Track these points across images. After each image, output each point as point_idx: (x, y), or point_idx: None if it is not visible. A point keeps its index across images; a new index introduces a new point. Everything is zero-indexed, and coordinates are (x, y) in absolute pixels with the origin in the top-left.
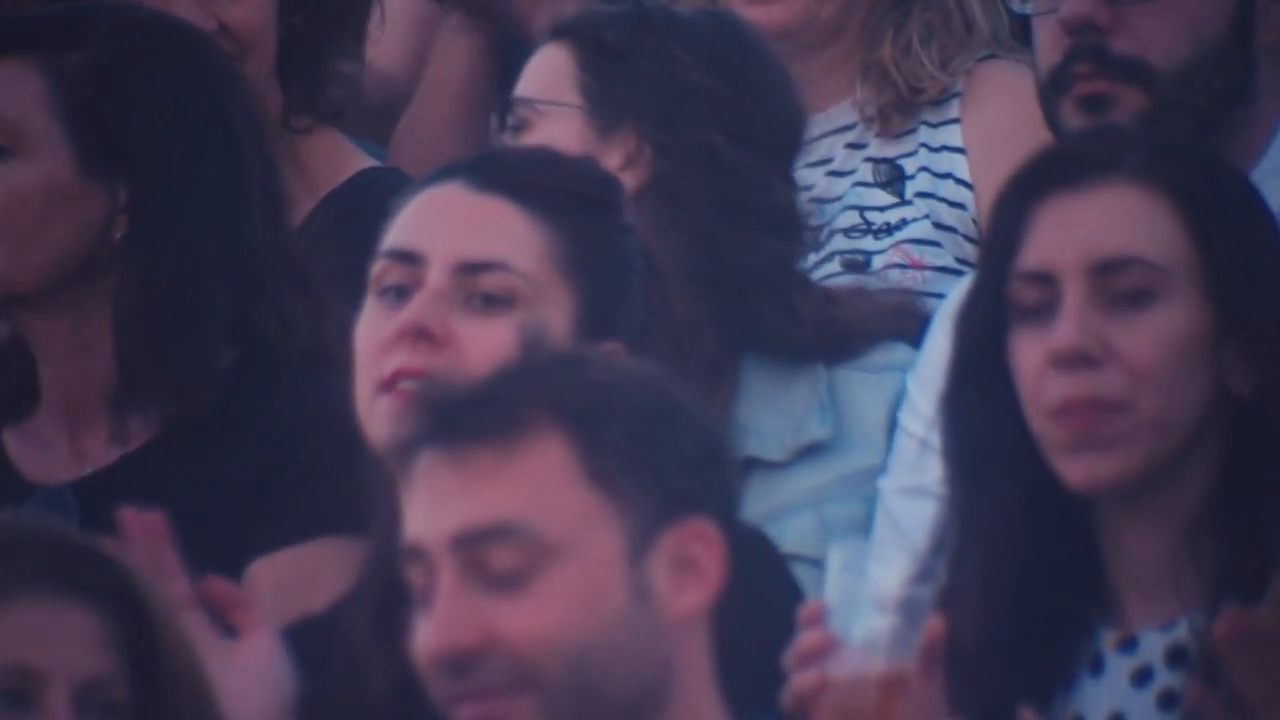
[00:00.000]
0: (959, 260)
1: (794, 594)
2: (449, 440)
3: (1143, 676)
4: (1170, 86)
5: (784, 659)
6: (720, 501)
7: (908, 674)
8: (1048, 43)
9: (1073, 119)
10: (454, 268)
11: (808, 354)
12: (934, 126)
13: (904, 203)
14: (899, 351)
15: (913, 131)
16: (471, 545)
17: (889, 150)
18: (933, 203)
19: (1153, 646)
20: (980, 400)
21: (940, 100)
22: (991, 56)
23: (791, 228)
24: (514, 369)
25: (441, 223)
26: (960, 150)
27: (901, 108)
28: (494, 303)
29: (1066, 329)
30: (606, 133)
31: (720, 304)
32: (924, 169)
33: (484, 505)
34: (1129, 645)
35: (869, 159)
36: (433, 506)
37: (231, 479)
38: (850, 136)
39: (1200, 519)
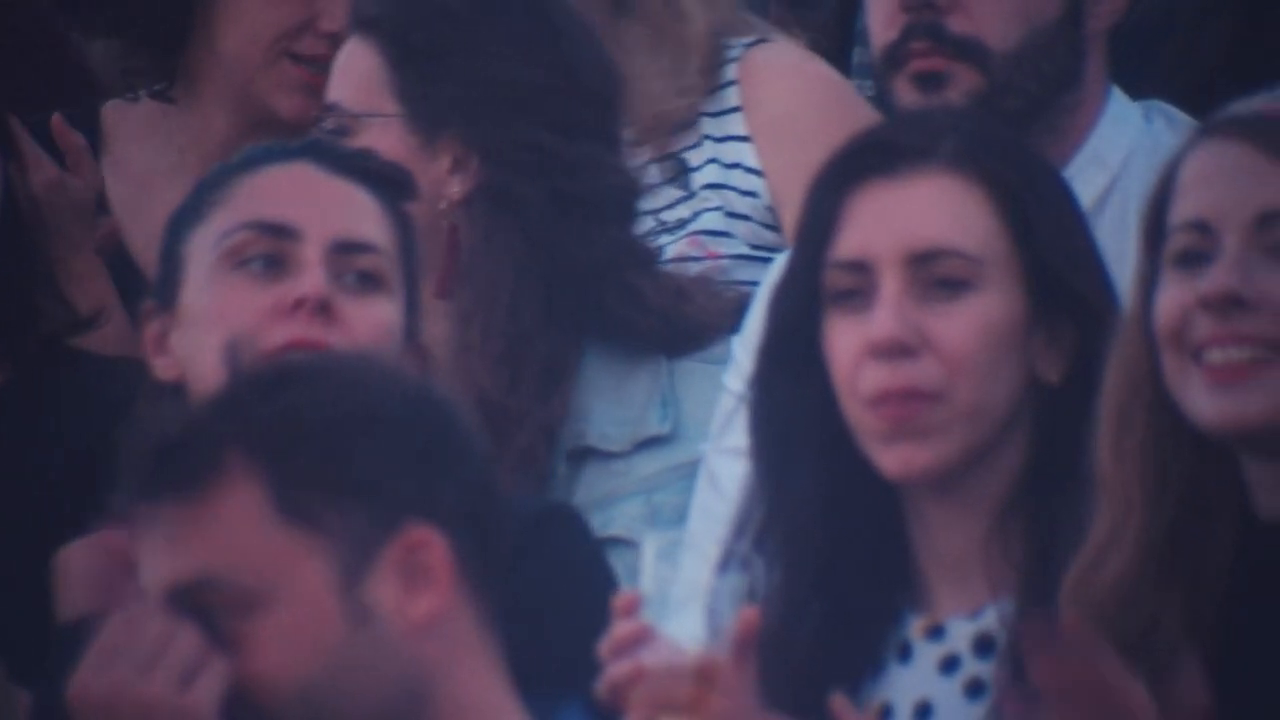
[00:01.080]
0: (754, 247)
1: (607, 578)
2: (148, 496)
3: (950, 664)
4: (1003, 67)
5: (599, 648)
6: (452, 499)
7: (721, 663)
8: (883, 19)
9: (907, 95)
10: (331, 246)
11: (652, 346)
12: (715, 117)
13: (691, 195)
14: (721, 346)
15: (694, 124)
16: (181, 599)
17: (674, 145)
18: (724, 193)
19: (960, 634)
20: (790, 386)
21: (717, 89)
22: (762, 40)
23: (631, 209)
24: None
25: (311, 200)
26: (746, 139)
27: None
28: (368, 283)
29: (884, 319)
30: (429, 140)
31: (562, 299)
32: (712, 160)
33: (182, 561)
34: (936, 633)
35: (653, 160)
36: (147, 560)
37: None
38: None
39: (1008, 507)
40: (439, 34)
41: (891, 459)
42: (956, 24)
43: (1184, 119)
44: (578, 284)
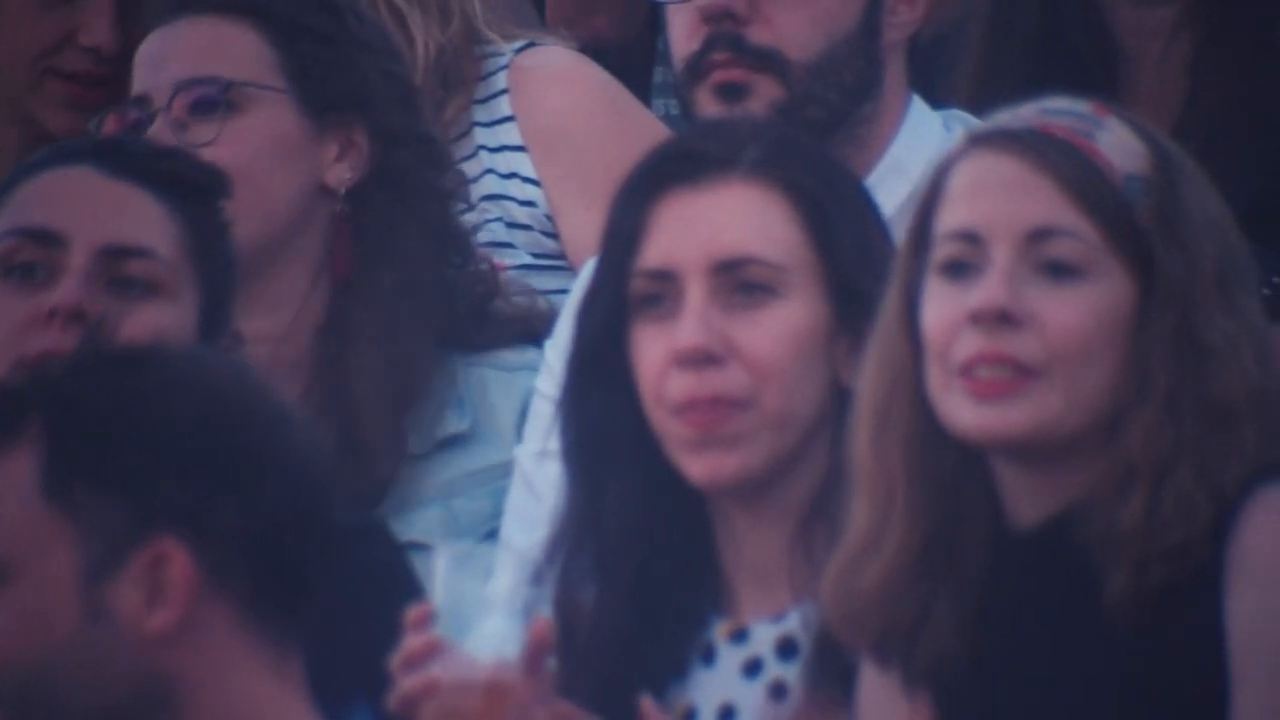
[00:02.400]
0: (537, 256)
1: (409, 586)
2: None
3: (753, 667)
4: (803, 78)
5: (391, 662)
6: (232, 517)
7: (512, 676)
8: (685, 32)
9: (709, 107)
10: (99, 252)
11: (449, 345)
12: (488, 126)
13: (470, 208)
14: (530, 353)
15: (466, 135)
16: None
17: None
18: (503, 203)
19: (763, 637)
20: (600, 395)
21: (488, 99)
22: (531, 45)
23: (468, 205)
24: (45, 367)
25: (81, 205)
26: (521, 148)
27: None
28: (138, 289)
29: (689, 327)
30: (317, 123)
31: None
32: (489, 171)
33: None
34: (740, 636)
35: None
36: None
37: None
38: None
39: (813, 511)
40: (328, 20)
41: (699, 467)
42: (757, 35)
43: None
44: (451, 280)
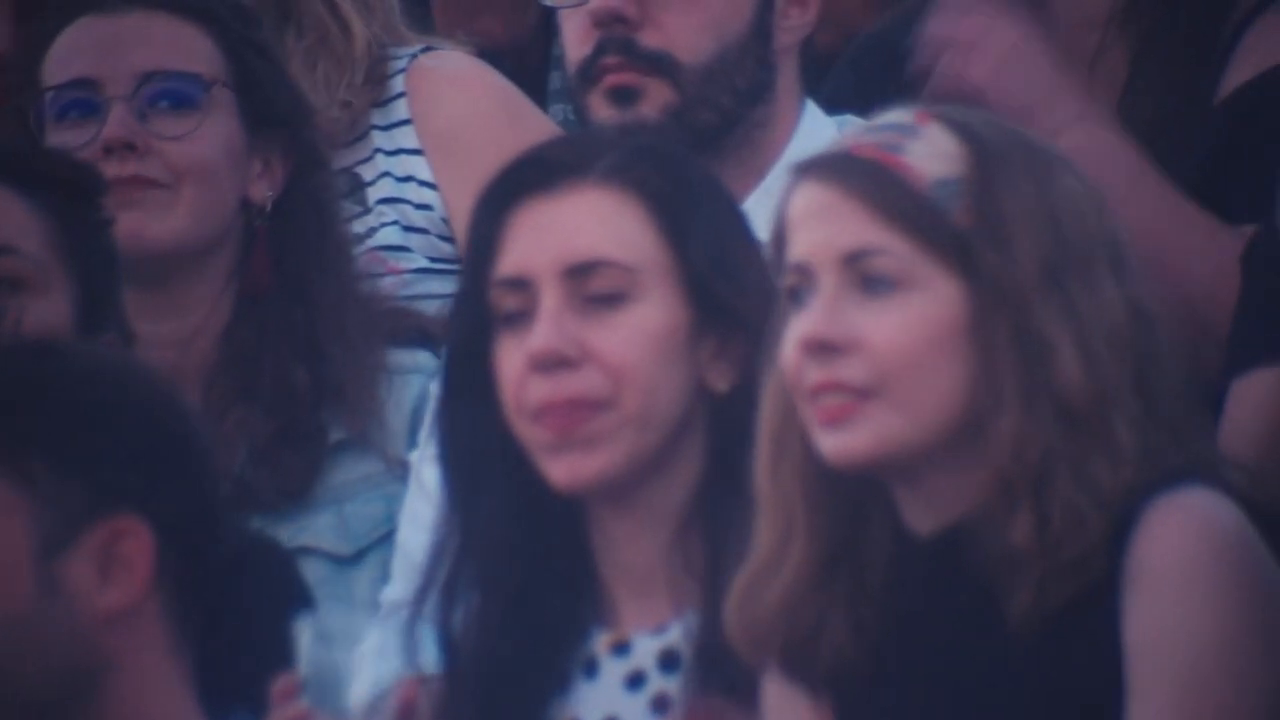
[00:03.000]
0: (434, 260)
1: (299, 595)
2: None
3: (636, 680)
4: (695, 82)
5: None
6: (168, 500)
7: None
8: (576, 36)
9: (601, 111)
10: None
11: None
12: (385, 130)
13: (366, 211)
14: (422, 356)
15: (364, 138)
16: None
17: (347, 159)
18: (400, 207)
19: (645, 650)
20: (470, 407)
21: (385, 102)
22: (429, 49)
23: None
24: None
25: None
26: (418, 151)
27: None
28: (3, 285)
29: (541, 332)
30: (250, 137)
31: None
32: (385, 174)
33: None
34: (622, 649)
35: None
36: None
37: None
38: None
39: (688, 519)
40: (265, 36)
41: (559, 469)
42: (648, 39)
43: None
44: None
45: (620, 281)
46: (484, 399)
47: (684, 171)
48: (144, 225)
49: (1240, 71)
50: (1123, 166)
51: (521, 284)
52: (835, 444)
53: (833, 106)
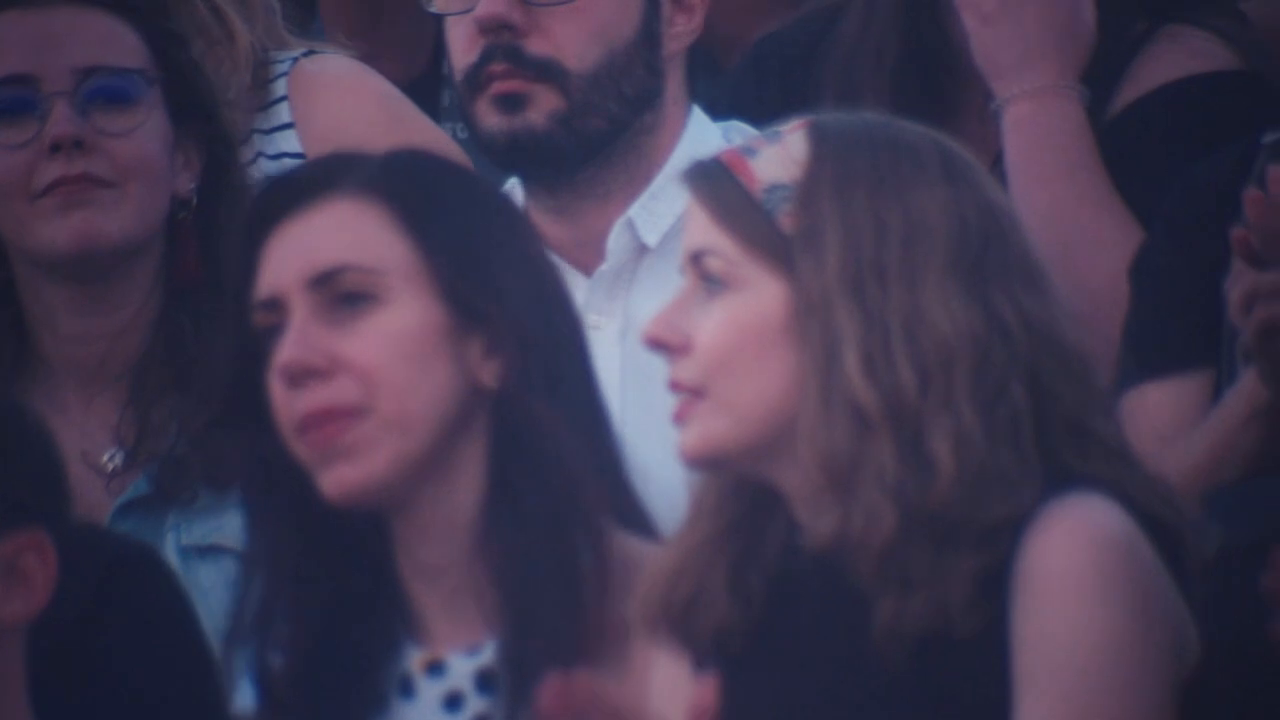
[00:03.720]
0: None
1: (181, 608)
2: None
3: (454, 702)
4: (582, 88)
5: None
6: (55, 516)
7: None
8: (463, 43)
9: (489, 118)
10: None
11: None
12: (267, 134)
13: None
14: None
15: (246, 142)
16: None
17: None
18: None
19: (462, 671)
20: (253, 437)
21: (267, 105)
22: (311, 52)
23: None
24: None
25: None
26: (300, 155)
27: None
28: None
29: (286, 345)
30: (175, 129)
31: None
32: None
33: None
34: (437, 669)
35: None
36: None
37: None
38: None
39: (483, 527)
40: (181, 27)
41: (327, 483)
42: (535, 46)
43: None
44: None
45: (364, 285)
46: (265, 426)
47: (436, 178)
48: (94, 224)
49: (1130, 90)
50: (1057, 147)
51: (274, 303)
52: (679, 443)
53: (734, 109)
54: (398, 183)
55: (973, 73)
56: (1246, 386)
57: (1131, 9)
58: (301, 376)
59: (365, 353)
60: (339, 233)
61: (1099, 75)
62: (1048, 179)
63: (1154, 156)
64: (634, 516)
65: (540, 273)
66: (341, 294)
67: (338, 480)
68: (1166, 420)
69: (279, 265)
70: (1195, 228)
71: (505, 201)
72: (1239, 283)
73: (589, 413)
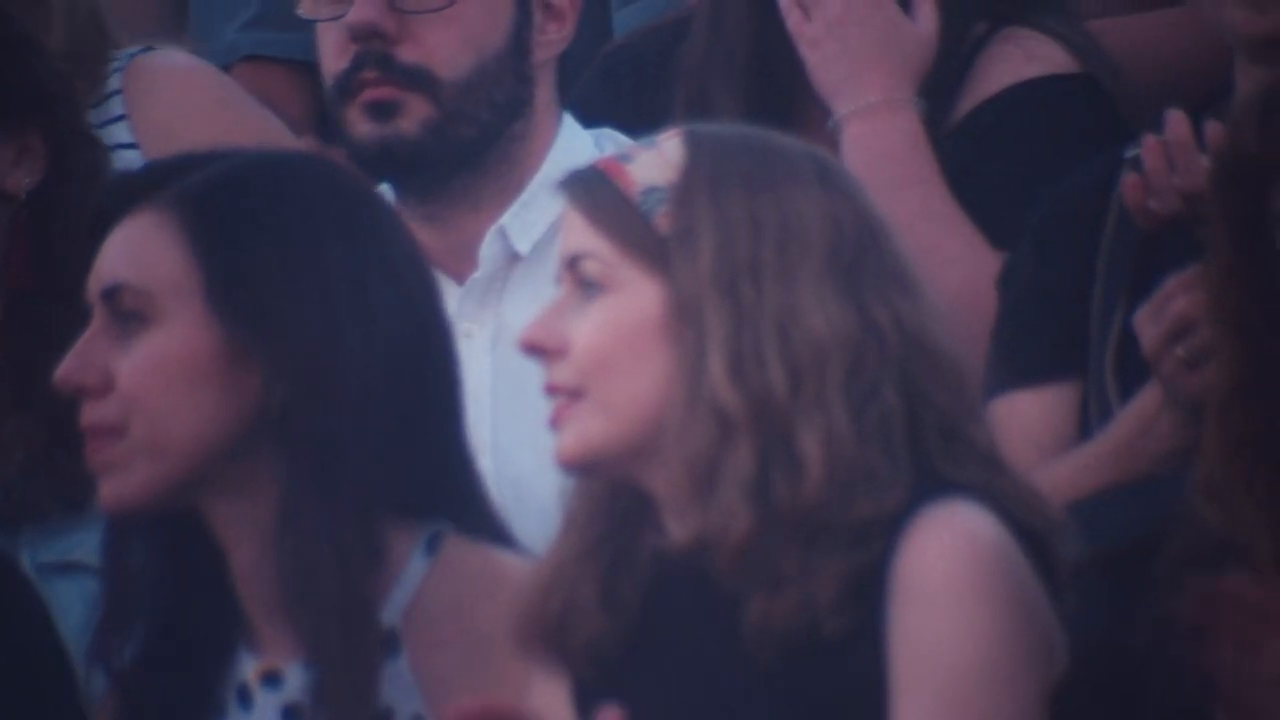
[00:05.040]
0: None
1: (37, 617)
2: None
3: (292, 713)
4: (454, 96)
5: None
6: None
7: None
8: (334, 49)
9: (359, 125)
10: None
11: None
12: (100, 127)
13: None
14: None
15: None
16: None
17: None
18: None
19: (298, 683)
20: None
21: (100, 101)
22: (148, 49)
23: None
24: None
25: None
26: (133, 146)
27: None
28: None
29: (66, 360)
30: (8, 120)
31: None
32: None
33: None
34: (274, 680)
35: None
36: None
37: None
38: None
39: (288, 542)
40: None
41: (100, 494)
42: (406, 53)
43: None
44: None
45: (138, 304)
46: None
47: (248, 195)
48: None
49: (971, 95)
50: (894, 162)
51: (90, 312)
52: (556, 447)
53: (584, 119)
54: (201, 199)
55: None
56: (1144, 406)
57: (969, 13)
58: (74, 392)
59: (130, 375)
60: (127, 248)
61: (940, 81)
62: (886, 195)
63: (996, 162)
64: (486, 524)
65: (331, 291)
66: (122, 311)
67: (104, 494)
68: (1035, 429)
69: (93, 274)
70: (1062, 239)
71: (341, 213)
72: (1156, 319)
73: (425, 421)
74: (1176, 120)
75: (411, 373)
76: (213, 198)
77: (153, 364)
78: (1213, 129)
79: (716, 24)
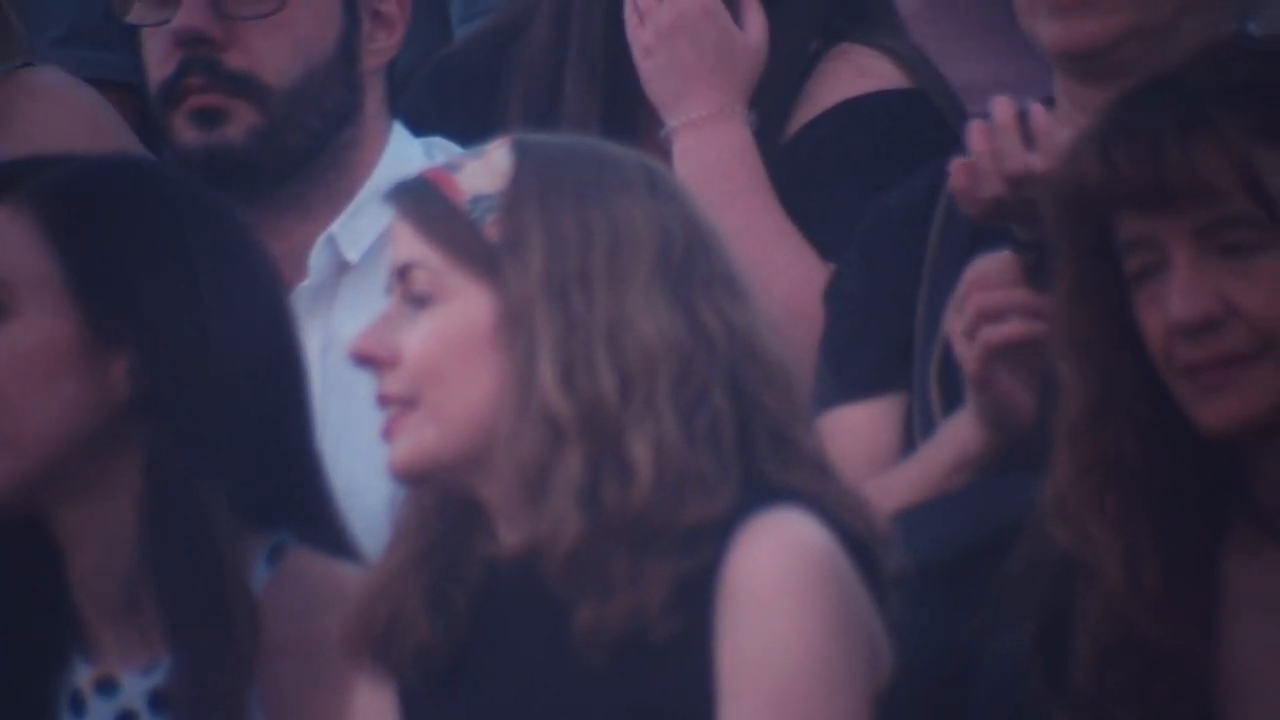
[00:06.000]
0: None
1: None
2: None
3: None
4: (281, 103)
5: None
6: None
7: None
8: (159, 56)
9: (186, 133)
10: None
11: None
12: None
13: None
14: None
15: None
16: None
17: None
18: None
19: (134, 691)
20: None
21: None
22: (26, 64)
23: None
24: None
25: None
26: None
27: None
28: None
29: None
30: None
31: None
32: None
33: None
34: (109, 687)
35: None
36: None
37: None
38: None
39: (140, 544)
40: None
41: None
42: (233, 60)
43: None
44: None
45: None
46: None
47: (103, 191)
48: None
49: (805, 110)
50: (723, 174)
51: None
52: (389, 457)
53: (415, 127)
54: (59, 193)
55: None
56: (959, 433)
57: (804, 28)
58: None
59: None
60: None
61: (775, 96)
62: (715, 206)
63: (829, 176)
64: (330, 537)
65: (192, 287)
66: None
67: None
68: (863, 443)
69: None
70: (887, 252)
71: (199, 215)
72: (961, 307)
73: (277, 430)
74: (1001, 105)
75: (268, 376)
76: (69, 192)
77: (10, 357)
78: (1037, 113)
79: (562, 20)
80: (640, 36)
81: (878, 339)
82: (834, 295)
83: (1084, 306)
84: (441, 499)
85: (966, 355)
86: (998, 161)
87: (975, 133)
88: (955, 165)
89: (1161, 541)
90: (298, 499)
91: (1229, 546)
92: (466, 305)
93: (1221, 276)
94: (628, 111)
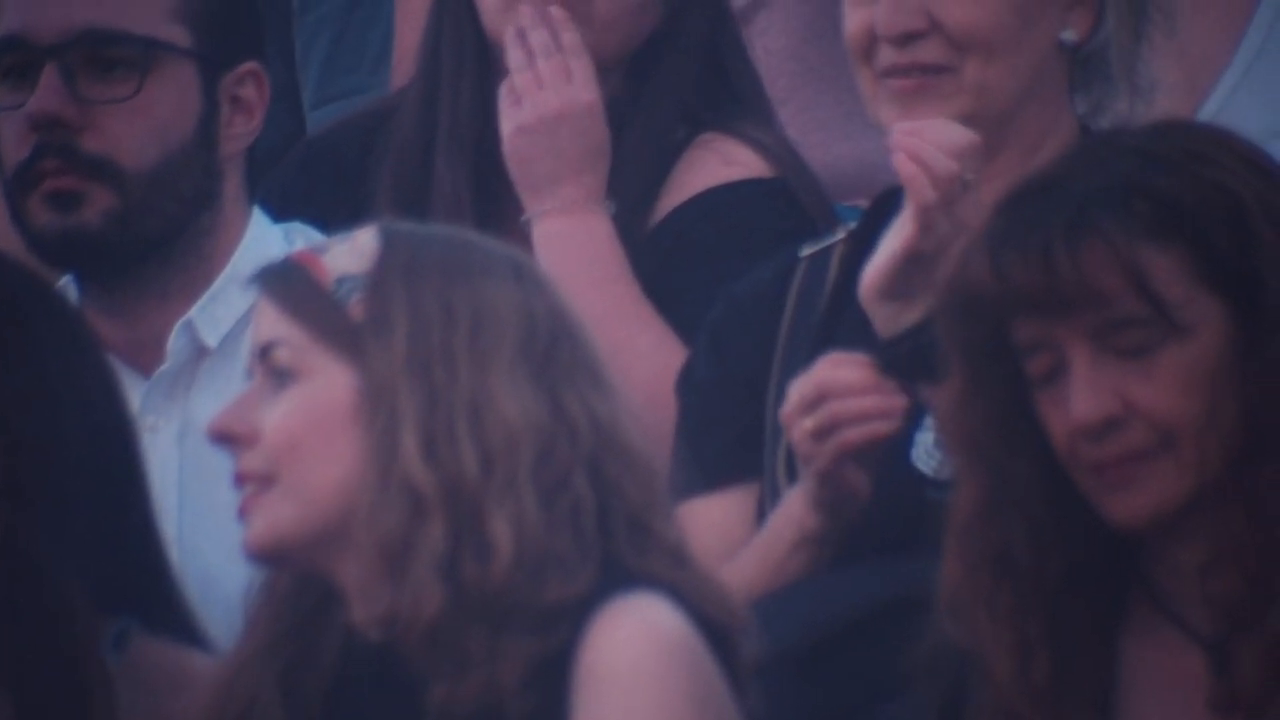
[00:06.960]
0: None
1: None
2: None
3: None
4: (138, 187)
5: None
6: None
7: None
8: (14, 138)
9: (40, 215)
10: None
11: None
12: None
13: None
14: None
15: None
16: None
17: None
18: None
19: None
20: None
21: None
22: None
23: None
24: None
25: None
26: None
27: None
28: None
29: None
30: None
31: None
32: None
33: None
34: None
35: None
36: None
37: None
38: None
39: None
40: None
41: None
42: (89, 143)
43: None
44: None
45: None
46: None
47: None
48: None
49: (670, 198)
50: (586, 261)
51: None
52: (244, 537)
53: (282, 210)
54: None
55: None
56: (794, 511)
57: (669, 117)
58: None
59: None
60: None
61: (639, 184)
62: (577, 293)
63: (692, 263)
64: (175, 623)
65: (61, 376)
66: None
67: None
68: (717, 532)
69: None
70: (738, 338)
71: (37, 302)
72: (811, 409)
73: (120, 516)
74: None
75: (111, 463)
76: None
77: None
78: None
79: (431, 101)
80: (515, 116)
81: (728, 428)
82: (685, 383)
83: (976, 405)
84: (296, 584)
85: (812, 452)
86: (934, 149)
87: (900, 134)
88: (900, 128)
89: (1054, 633)
90: (141, 585)
91: (1126, 629)
92: (329, 382)
93: (1120, 376)
94: (496, 190)
